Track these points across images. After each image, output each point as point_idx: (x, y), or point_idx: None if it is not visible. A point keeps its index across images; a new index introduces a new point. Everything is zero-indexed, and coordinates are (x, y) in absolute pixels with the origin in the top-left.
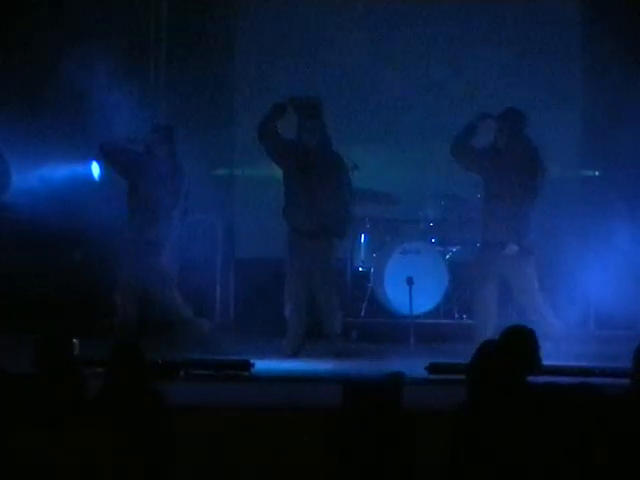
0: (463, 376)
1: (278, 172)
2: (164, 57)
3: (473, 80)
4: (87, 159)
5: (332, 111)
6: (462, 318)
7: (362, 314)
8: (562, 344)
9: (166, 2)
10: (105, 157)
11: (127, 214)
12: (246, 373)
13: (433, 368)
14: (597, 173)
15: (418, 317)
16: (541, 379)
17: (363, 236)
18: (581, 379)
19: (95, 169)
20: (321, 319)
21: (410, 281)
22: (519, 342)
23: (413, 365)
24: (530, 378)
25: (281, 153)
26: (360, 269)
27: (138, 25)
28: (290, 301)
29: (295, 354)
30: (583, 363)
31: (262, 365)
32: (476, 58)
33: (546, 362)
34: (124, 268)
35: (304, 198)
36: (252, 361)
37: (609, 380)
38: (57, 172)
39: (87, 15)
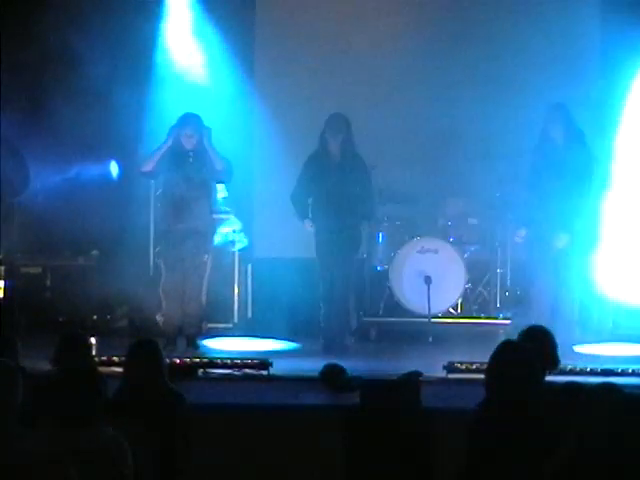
0: (481, 375)
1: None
2: None
3: (491, 78)
4: (105, 159)
5: (350, 107)
6: (480, 317)
7: (380, 313)
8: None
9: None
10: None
11: (161, 208)
12: (265, 372)
13: (451, 367)
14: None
15: (436, 316)
16: (561, 379)
17: (381, 235)
18: (601, 379)
19: (114, 168)
20: (328, 314)
21: (428, 280)
22: (537, 341)
23: (431, 364)
24: (550, 378)
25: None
26: (378, 268)
27: (155, 22)
28: (323, 298)
29: (329, 351)
30: (603, 363)
31: (281, 364)
32: (494, 56)
33: (566, 362)
34: (163, 262)
35: (331, 199)
36: (270, 360)
37: (630, 380)
38: (75, 172)
39: (104, 12)
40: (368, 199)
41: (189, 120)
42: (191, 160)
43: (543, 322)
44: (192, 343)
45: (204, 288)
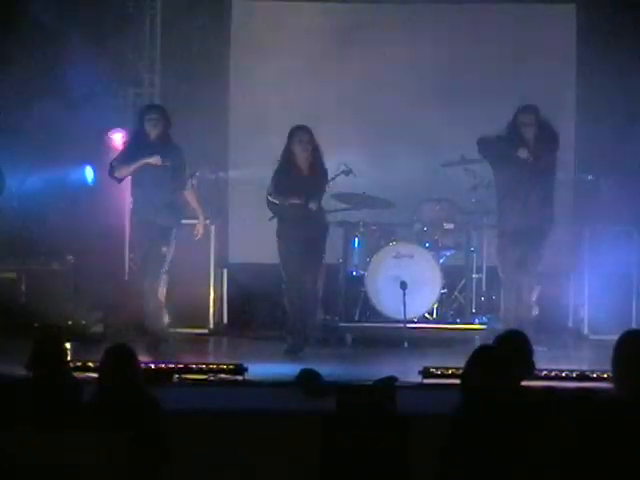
0: (457, 380)
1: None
2: (159, 62)
3: (468, 85)
4: (81, 163)
5: (326, 113)
6: (456, 322)
7: (356, 318)
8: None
9: (159, 6)
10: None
11: (134, 203)
12: (240, 377)
13: (427, 372)
14: (590, 177)
15: (412, 321)
16: (537, 384)
17: (357, 240)
18: (576, 384)
19: (89, 173)
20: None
21: (404, 285)
22: (514, 347)
23: (407, 369)
24: (526, 383)
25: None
26: (354, 273)
27: (132, 28)
28: (287, 296)
29: (296, 351)
30: (578, 368)
31: (256, 369)
32: (471, 63)
33: (542, 367)
34: (141, 255)
35: (302, 212)
36: (246, 365)
37: (605, 385)
38: (51, 176)
39: (81, 14)
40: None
41: (153, 106)
42: (155, 152)
43: (508, 325)
44: (154, 343)
45: (163, 283)
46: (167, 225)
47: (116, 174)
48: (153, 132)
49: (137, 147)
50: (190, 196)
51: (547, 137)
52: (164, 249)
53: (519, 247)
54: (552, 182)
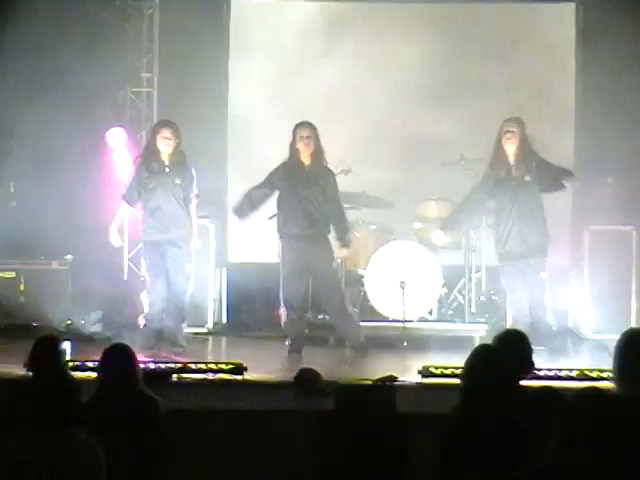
0: (456, 380)
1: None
2: (157, 60)
3: (467, 84)
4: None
5: (326, 110)
6: (455, 321)
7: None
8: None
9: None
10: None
11: (145, 218)
12: (239, 377)
13: (426, 372)
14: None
15: (411, 321)
16: (536, 383)
17: (356, 239)
18: (577, 383)
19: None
20: (335, 323)
21: (403, 285)
22: (513, 345)
23: (406, 369)
24: (525, 382)
25: (276, 188)
26: (353, 273)
27: (131, 26)
28: (288, 303)
29: (298, 351)
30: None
31: (255, 369)
32: (470, 62)
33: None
34: (149, 272)
35: (301, 207)
36: (245, 365)
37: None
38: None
39: (80, 14)
40: (342, 216)
41: (167, 122)
42: (167, 170)
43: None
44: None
45: (187, 296)
46: (187, 242)
47: (130, 203)
48: (166, 149)
49: (147, 169)
50: (192, 212)
51: (527, 151)
52: (188, 267)
53: (521, 267)
54: (539, 195)
